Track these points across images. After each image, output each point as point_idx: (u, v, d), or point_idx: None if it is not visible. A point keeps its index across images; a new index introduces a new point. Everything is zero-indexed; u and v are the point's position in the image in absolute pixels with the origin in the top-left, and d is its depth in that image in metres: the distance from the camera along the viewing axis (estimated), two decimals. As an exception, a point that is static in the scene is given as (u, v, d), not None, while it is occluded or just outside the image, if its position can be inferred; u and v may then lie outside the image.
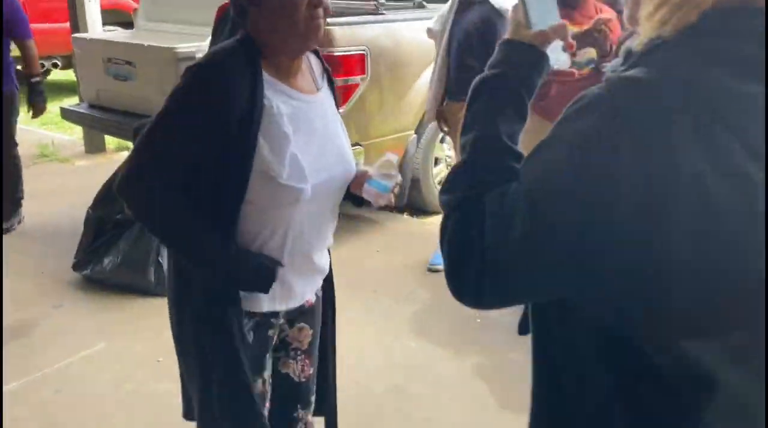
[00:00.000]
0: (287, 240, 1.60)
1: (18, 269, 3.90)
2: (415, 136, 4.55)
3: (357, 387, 2.90)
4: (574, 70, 3.14)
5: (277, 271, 1.59)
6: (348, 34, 3.99)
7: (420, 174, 4.64)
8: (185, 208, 1.55)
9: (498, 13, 3.46)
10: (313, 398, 1.90)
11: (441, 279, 0.99)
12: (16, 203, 4.49)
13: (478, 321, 3.44)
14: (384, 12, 4.45)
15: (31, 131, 6.73)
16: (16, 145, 4.46)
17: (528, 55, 1.02)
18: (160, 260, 3.53)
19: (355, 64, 4.03)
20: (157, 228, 1.62)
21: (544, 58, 1.02)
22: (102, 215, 3.71)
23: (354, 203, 1.82)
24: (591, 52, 3.08)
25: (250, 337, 1.64)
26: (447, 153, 4.88)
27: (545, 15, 1.05)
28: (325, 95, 1.69)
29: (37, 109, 4.47)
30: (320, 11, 1.49)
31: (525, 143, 0.96)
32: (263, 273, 1.57)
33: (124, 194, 1.54)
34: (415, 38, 4.35)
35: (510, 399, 2.80)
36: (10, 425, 2.60)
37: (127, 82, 4.65)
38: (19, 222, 4.49)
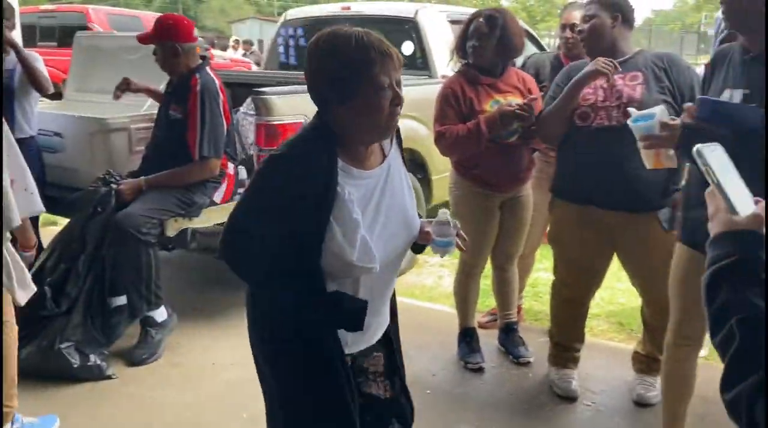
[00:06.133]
0: (358, 296, 1.71)
1: None
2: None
3: None
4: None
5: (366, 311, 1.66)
6: (289, 104, 3.90)
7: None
8: (275, 261, 1.65)
9: None
10: (409, 413, 1.97)
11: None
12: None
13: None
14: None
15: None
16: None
17: (755, 238, 1.05)
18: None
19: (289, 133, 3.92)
20: (262, 279, 1.72)
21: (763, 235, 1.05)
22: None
23: (414, 251, 1.93)
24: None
25: None
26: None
27: (741, 196, 1.08)
28: (393, 156, 1.78)
29: None
30: (399, 108, 1.63)
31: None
32: (357, 313, 1.65)
33: (227, 257, 1.69)
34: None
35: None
36: None
37: (56, 154, 4.49)
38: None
